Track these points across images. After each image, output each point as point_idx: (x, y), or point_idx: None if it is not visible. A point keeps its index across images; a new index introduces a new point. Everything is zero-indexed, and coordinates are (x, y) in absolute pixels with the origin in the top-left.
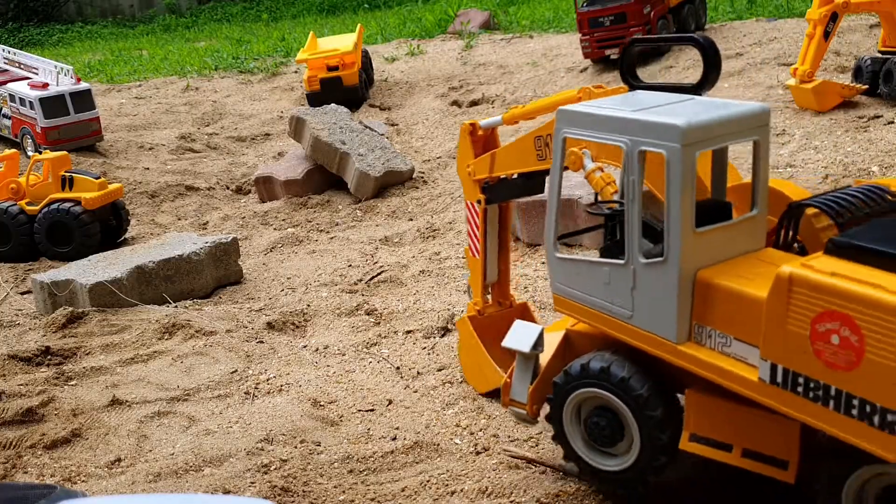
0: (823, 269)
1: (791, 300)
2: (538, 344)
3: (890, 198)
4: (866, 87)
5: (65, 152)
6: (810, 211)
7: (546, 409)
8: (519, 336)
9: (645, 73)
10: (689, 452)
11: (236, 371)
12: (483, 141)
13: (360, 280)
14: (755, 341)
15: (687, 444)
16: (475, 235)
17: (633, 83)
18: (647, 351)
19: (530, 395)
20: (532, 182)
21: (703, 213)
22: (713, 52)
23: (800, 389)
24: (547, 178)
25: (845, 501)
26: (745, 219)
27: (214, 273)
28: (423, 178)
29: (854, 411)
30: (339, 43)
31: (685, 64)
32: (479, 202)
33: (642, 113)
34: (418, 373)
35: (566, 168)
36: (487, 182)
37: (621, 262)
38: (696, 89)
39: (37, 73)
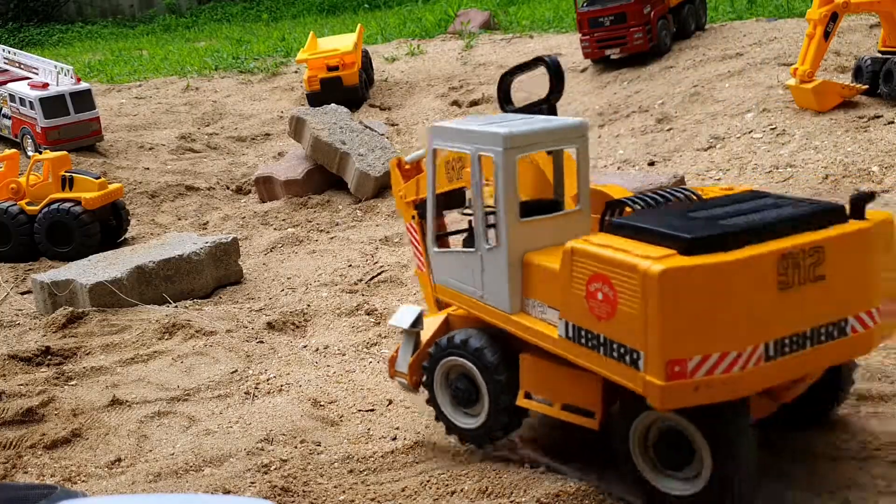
0: (597, 242)
1: (573, 267)
2: (417, 322)
3: (695, 198)
4: (866, 87)
5: (65, 152)
6: (628, 210)
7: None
8: (401, 316)
9: (645, 73)
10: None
11: (236, 371)
12: (413, 171)
13: (360, 280)
14: (557, 305)
15: (522, 401)
16: (419, 251)
17: (506, 108)
18: (494, 323)
19: (410, 366)
20: (451, 199)
21: (538, 208)
22: (556, 69)
23: (583, 341)
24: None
25: (632, 443)
26: (567, 213)
27: (214, 273)
28: None
29: (615, 354)
30: (339, 43)
31: (685, 64)
32: (413, 218)
33: (483, 126)
34: None
35: (463, 187)
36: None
37: (473, 250)
38: (545, 102)
39: (37, 73)
